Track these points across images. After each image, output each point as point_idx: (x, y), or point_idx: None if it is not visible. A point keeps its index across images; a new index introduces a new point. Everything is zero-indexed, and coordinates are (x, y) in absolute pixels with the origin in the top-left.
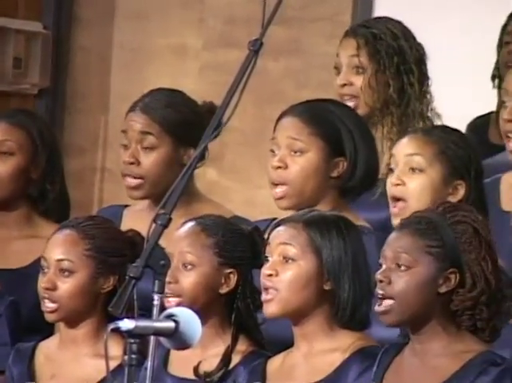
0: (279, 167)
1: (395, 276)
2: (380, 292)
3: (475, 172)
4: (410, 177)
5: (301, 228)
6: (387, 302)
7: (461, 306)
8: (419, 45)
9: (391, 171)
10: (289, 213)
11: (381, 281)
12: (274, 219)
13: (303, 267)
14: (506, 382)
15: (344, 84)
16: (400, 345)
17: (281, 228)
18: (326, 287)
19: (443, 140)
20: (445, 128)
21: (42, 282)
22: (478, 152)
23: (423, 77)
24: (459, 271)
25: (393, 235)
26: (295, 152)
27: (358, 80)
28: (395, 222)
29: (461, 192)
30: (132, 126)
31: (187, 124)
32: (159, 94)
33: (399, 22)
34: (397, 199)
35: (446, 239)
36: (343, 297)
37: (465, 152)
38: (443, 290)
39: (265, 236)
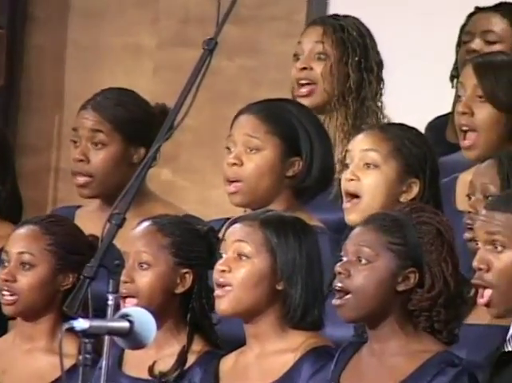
0: (234, 164)
1: (355, 269)
2: (339, 285)
3: (430, 171)
4: (364, 173)
5: (257, 227)
6: (345, 296)
7: (418, 306)
8: (379, 51)
9: (346, 166)
10: (243, 212)
11: (340, 273)
12: (228, 218)
13: (257, 265)
14: None
15: (304, 68)
16: (358, 345)
17: (237, 225)
18: (279, 287)
19: (399, 137)
20: (402, 125)
21: (2, 274)
22: (434, 151)
23: (380, 80)
24: (419, 271)
25: (357, 230)
26: (251, 150)
27: (318, 67)
28: (348, 217)
29: (415, 190)
30: (83, 123)
31: (137, 122)
32: (110, 93)
33: (365, 25)
34: (351, 195)
35: (409, 238)
36: (295, 298)
37: (420, 151)
38: (401, 288)
39: (220, 235)
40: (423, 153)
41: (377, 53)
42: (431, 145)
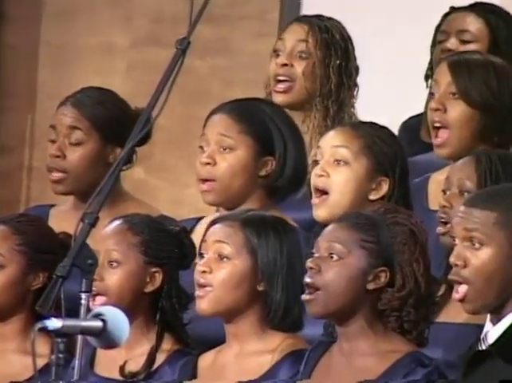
0: (208, 164)
1: (326, 265)
2: (309, 280)
3: (400, 170)
4: (334, 169)
5: (238, 227)
6: (315, 292)
7: (388, 306)
8: (356, 58)
9: (316, 163)
10: (215, 211)
11: (311, 268)
12: (201, 217)
13: (238, 266)
14: None
15: (285, 65)
16: (327, 344)
17: (217, 226)
18: (259, 288)
19: (370, 135)
20: (373, 124)
21: None
22: (405, 151)
23: (355, 86)
24: (391, 270)
25: (330, 227)
26: (224, 149)
27: (299, 65)
28: (316, 213)
29: (384, 189)
30: (61, 120)
31: (115, 122)
32: (90, 91)
33: (346, 30)
34: (320, 191)
35: (382, 237)
36: (275, 298)
37: (391, 149)
38: (371, 286)
39: (192, 235)
40: (394, 152)
41: (355, 58)
42: (401, 144)
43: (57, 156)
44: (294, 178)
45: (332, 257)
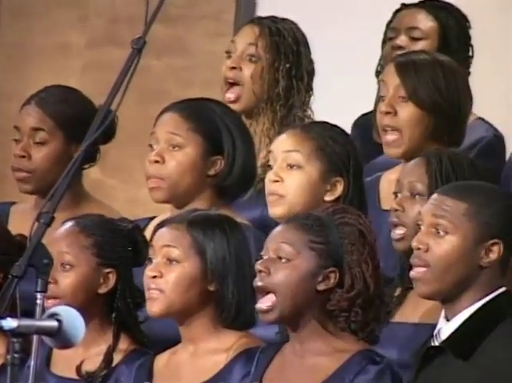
0: (156, 162)
1: (275, 267)
2: (259, 283)
3: (354, 170)
4: (288, 173)
5: (184, 229)
6: (271, 297)
7: (337, 306)
8: (312, 60)
9: (269, 167)
10: (170, 211)
11: (260, 271)
12: (153, 217)
13: (187, 269)
14: (384, 380)
15: (234, 68)
16: (279, 344)
17: (164, 230)
18: (211, 288)
19: (322, 136)
20: (324, 124)
21: None
22: (357, 150)
23: (310, 89)
24: (340, 271)
25: (278, 228)
26: (173, 147)
27: (248, 68)
28: (272, 211)
29: (339, 189)
30: (25, 120)
31: (80, 120)
32: (54, 90)
33: (302, 31)
34: (275, 195)
35: (330, 238)
36: (227, 297)
37: (343, 149)
38: (321, 287)
39: (145, 234)
40: (346, 151)
41: (310, 61)
42: (353, 143)
43: (22, 156)
44: (243, 177)
45: (281, 259)
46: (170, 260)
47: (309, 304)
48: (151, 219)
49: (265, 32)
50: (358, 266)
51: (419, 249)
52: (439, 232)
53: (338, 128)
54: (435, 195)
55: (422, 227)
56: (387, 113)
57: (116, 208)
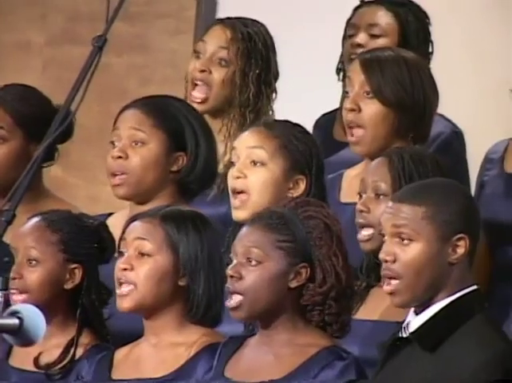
0: (119, 158)
1: (246, 271)
2: (231, 288)
3: (316, 168)
4: (251, 170)
5: (157, 223)
6: (237, 297)
7: (311, 301)
8: (277, 63)
9: (232, 164)
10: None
11: (232, 276)
12: (111, 213)
13: (159, 262)
14: (350, 376)
15: (204, 71)
16: (242, 338)
17: (137, 223)
18: (181, 283)
19: (285, 134)
20: (287, 122)
21: None
22: (320, 148)
23: (274, 91)
24: (310, 266)
25: (244, 230)
26: (136, 143)
27: (217, 72)
28: (236, 215)
29: (302, 187)
30: None
31: (39, 119)
32: (13, 88)
33: (270, 35)
34: (238, 192)
35: (297, 234)
36: (198, 293)
37: (306, 147)
38: (293, 284)
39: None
40: (309, 150)
41: (276, 64)
42: (316, 142)
43: None
44: (205, 174)
45: (250, 261)
46: (142, 253)
47: (282, 302)
48: (109, 215)
49: (238, 37)
50: (328, 259)
51: (386, 261)
52: (403, 240)
53: (301, 127)
54: (390, 203)
55: (385, 237)
56: (352, 110)
57: (77, 206)
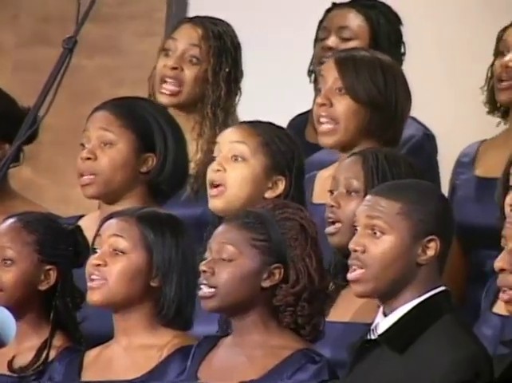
0: (88, 159)
1: (219, 267)
2: (204, 282)
3: (297, 170)
4: (232, 165)
5: (133, 223)
6: (210, 289)
7: (283, 302)
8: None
9: (214, 159)
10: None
11: (205, 271)
12: (82, 215)
13: (133, 260)
14: (322, 379)
15: (175, 68)
16: (216, 338)
17: (113, 221)
18: (153, 284)
19: (269, 133)
20: (271, 123)
21: None
22: (301, 151)
23: (239, 90)
24: (284, 267)
25: (220, 228)
26: (105, 144)
27: (189, 70)
28: (213, 204)
29: (280, 188)
30: None
31: (3, 118)
32: None
33: (236, 35)
34: (216, 185)
35: (272, 234)
36: (169, 295)
37: (288, 149)
38: (266, 284)
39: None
40: (291, 151)
41: (241, 63)
42: (298, 145)
43: None
44: (175, 175)
45: (224, 259)
46: (116, 250)
47: (254, 300)
48: (80, 217)
49: (209, 35)
50: (302, 261)
51: (356, 251)
52: (375, 233)
53: (284, 129)
54: (368, 197)
55: (358, 229)
56: (323, 105)
57: (47, 208)
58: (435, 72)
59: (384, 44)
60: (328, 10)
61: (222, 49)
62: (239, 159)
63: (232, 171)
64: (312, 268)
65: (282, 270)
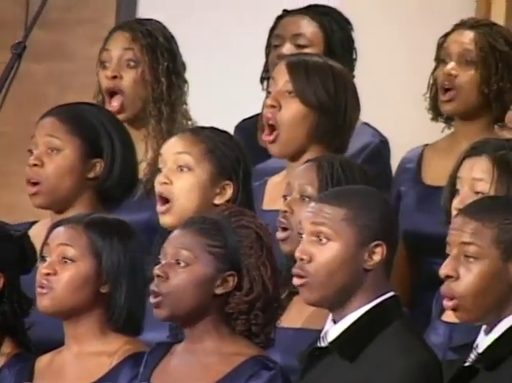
0: (35, 165)
1: (173, 272)
2: (155, 288)
3: (243, 174)
4: (178, 176)
5: (81, 230)
6: (159, 298)
7: (236, 309)
8: (181, 55)
9: (159, 170)
10: (48, 216)
11: (158, 276)
12: (34, 222)
13: (81, 268)
14: None
15: (115, 77)
16: (167, 345)
17: (61, 229)
18: (103, 290)
19: (212, 139)
20: (213, 129)
21: None
22: (247, 154)
23: (185, 82)
24: (238, 274)
25: (176, 232)
26: (52, 151)
27: (128, 75)
28: (163, 220)
29: (228, 193)
30: None
31: None
32: None
33: (168, 30)
34: (164, 198)
35: (228, 241)
36: (119, 301)
37: (233, 153)
38: (220, 291)
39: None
40: (236, 156)
41: (180, 55)
42: (243, 148)
43: None
44: (123, 180)
45: (179, 263)
46: (65, 259)
47: (207, 307)
48: (33, 223)
49: (138, 35)
50: (256, 269)
51: (302, 259)
52: (320, 240)
53: (227, 133)
54: (312, 203)
55: (303, 236)
56: (272, 107)
57: None
58: (379, 75)
59: (338, 50)
60: (280, 18)
61: (154, 45)
62: (185, 169)
63: (178, 182)
64: (266, 277)
65: (236, 278)
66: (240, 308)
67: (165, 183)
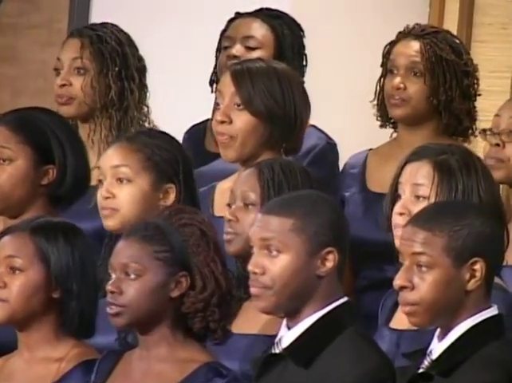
0: None
1: (126, 285)
2: (111, 301)
3: (184, 174)
4: (119, 189)
5: (27, 237)
6: (119, 308)
7: (192, 308)
8: (141, 57)
9: (100, 182)
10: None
11: (112, 292)
12: None
13: (31, 277)
14: None
15: (64, 85)
16: (120, 351)
17: (7, 239)
18: (55, 295)
19: (148, 146)
20: (150, 132)
21: None
22: (186, 154)
23: (143, 87)
24: (190, 274)
25: (120, 244)
26: (4, 161)
27: (78, 82)
28: (107, 224)
29: (172, 195)
30: None
31: None
32: None
33: (124, 32)
34: (109, 208)
35: (173, 243)
36: (72, 305)
37: (171, 155)
38: (175, 294)
39: None
40: (175, 157)
41: (139, 59)
42: (181, 148)
43: None
44: (76, 185)
45: (129, 275)
46: (13, 269)
47: (163, 311)
48: None
49: (87, 42)
50: (207, 266)
51: (255, 273)
52: (271, 252)
53: (165, 134)
54: (259, 216)
55: (254, 250)
56: (223, 122)
57: None
58: (328, 79)
59: (289, 54)
60: (232, 20)
61: (104, 50)
62: (124, 181)
63: (120, 195)
64: (218, 272)
65: (189, 278)
66: (196, 307)
67: (107, 197)
